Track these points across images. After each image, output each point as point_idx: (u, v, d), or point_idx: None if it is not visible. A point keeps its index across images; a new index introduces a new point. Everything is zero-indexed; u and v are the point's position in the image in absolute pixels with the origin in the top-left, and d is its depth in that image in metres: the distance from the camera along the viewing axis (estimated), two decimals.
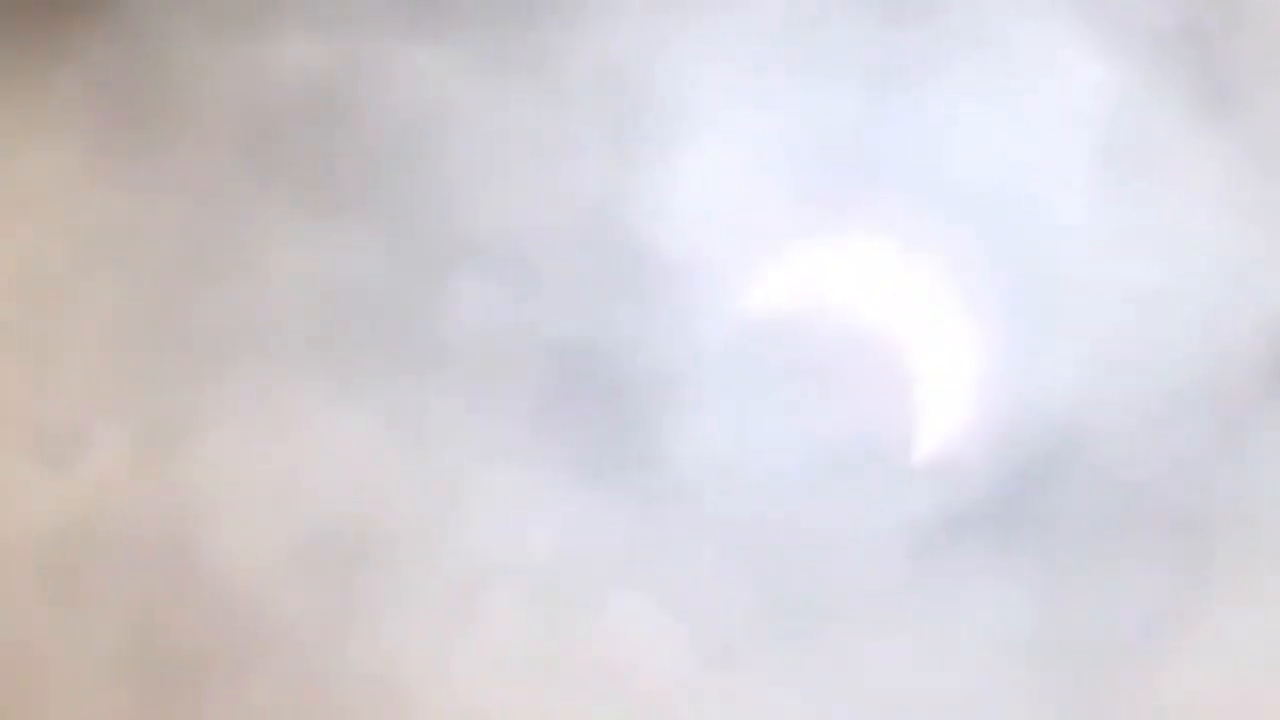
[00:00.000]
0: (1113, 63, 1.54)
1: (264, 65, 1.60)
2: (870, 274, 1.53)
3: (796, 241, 1.54)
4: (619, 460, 1.52)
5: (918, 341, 1.52)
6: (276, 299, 1.58)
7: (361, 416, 1.55)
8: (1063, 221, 1.52)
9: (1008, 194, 1.53)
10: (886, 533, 1.49)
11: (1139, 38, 1.54)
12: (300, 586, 1.53)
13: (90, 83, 1.61)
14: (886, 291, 1.53)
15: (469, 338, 1.56)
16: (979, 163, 1.54)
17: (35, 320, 1.59)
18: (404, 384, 1.55)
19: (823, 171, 1.55)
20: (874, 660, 1.47)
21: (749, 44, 1.57)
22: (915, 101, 1.55)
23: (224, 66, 1.60)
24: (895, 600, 1.47)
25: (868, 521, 1.50)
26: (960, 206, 1.54)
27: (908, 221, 1.54)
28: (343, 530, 1.53)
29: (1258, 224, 1.51)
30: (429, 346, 1.56)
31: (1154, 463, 1.46)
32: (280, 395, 1.57)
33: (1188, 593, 1.45)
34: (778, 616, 1.48)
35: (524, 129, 1.58)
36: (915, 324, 1.52)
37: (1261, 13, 1.53)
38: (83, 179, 1.60)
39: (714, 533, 1.51)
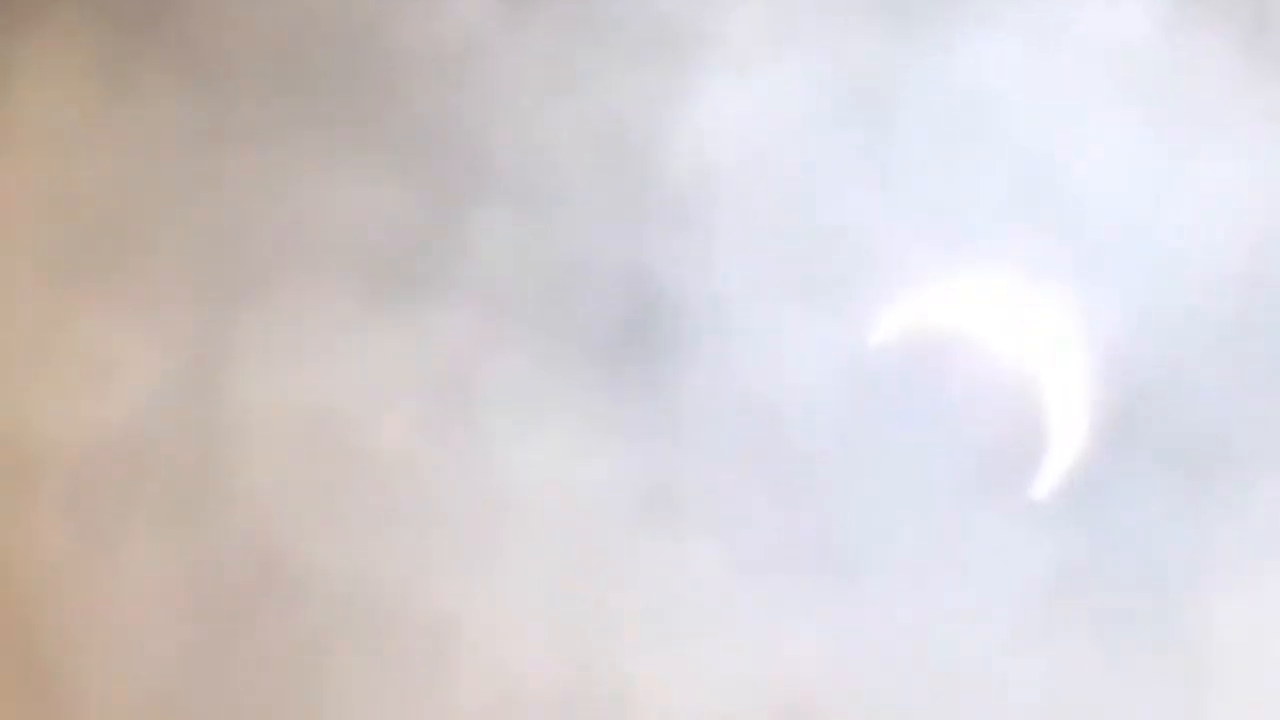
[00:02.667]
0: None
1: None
2: (898, 208, 1.52)
3: (823, 174, 1.53)
4: (641, 388, 1.53)
5: (946, 273, 1.52)
6: (307, 228, 1.59)
7: (392, 342, 1.57)
8: (1097, 171, 1.50)
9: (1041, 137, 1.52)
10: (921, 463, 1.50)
11: None
12: (332, 511, 1.56)
13: (116, 18, 1.62)
14: (913, 222, 1.52)
15: (495, 265, 1.56)
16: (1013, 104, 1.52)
17: (68, 245, 1.62)
18: (433, 310, 1.57)
19: (852, 108, 1.54)
20: (911, 600, 1.49)
21: None
22: (945, 40, 1.53)
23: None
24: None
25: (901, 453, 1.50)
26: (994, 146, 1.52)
27: (938, 160, 1.52)
28: (374, 453, 1.56)
29: None
30: (456, 274, 1.57)
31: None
32: (312, 321, 1.59)
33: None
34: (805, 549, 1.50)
35: (548, 59, 1.57)
36: (941, 254, 1.52)
37: None
38: (107, 110, 1.61)
39: (739, 464, 1.52)
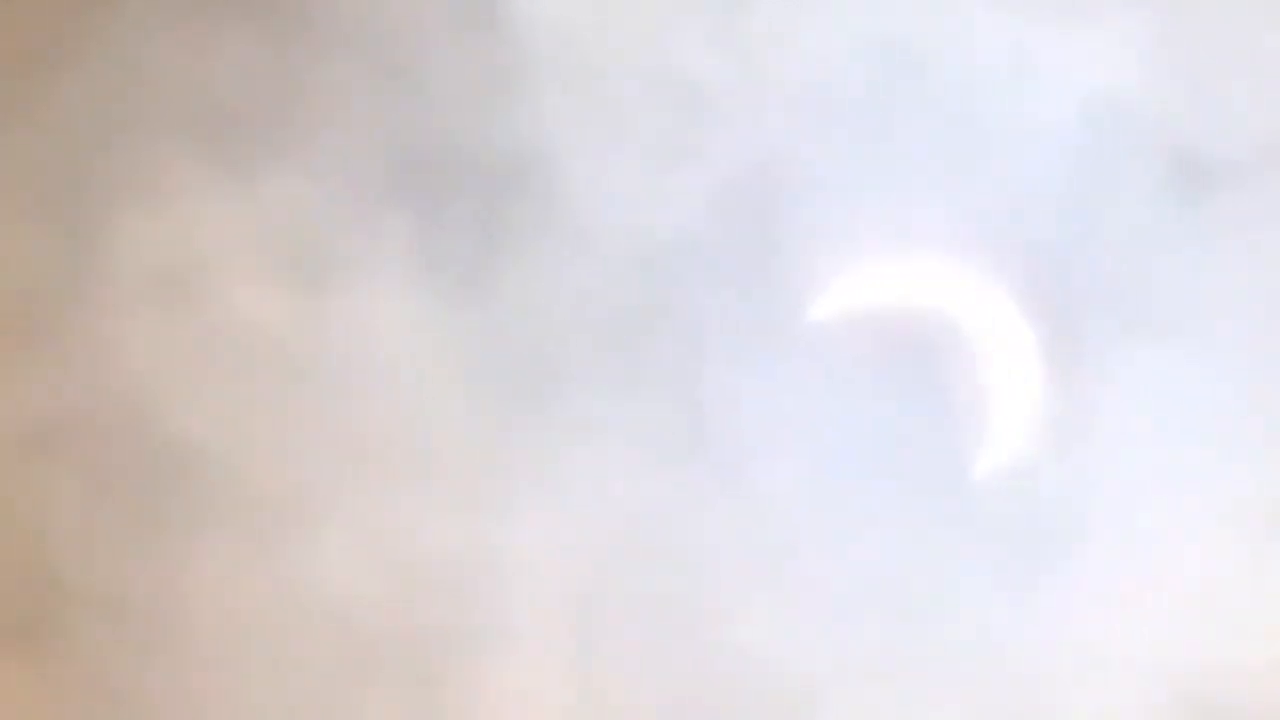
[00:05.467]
0: None
1: None
2: (746, 72, 1.58)
3: (678, 41, 1.59)
4: (492, 249, 1.58)
5: (786, 124, 1.58)
6: (157, 88, 1.62)
7: (242, 205, 1.61)
8: None
9: None
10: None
11: None
12: (191, 370, 1.61)
13: None
14: (760, 87, 1.58)
15: (347, 128, 1.60)
16: None
17: None
18: (281, 174, 1.61)
19: None
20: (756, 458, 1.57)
21: None
22: None
23: None
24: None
25: None
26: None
27: (790, 32, 1.58)
28: (228, 317, 1.61)
29: None
30: (306, 137, 1.61)
31: None
32: (165, 184, 1.62)
33: None
34: None
35: None
36: (783, 109, 1.59)
37: None
38: None
39: (573, 322, 1.59)
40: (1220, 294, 1.51)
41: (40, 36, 1.63)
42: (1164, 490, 1.51)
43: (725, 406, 1.56)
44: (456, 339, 1.58)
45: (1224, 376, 1.51)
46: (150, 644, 1.59)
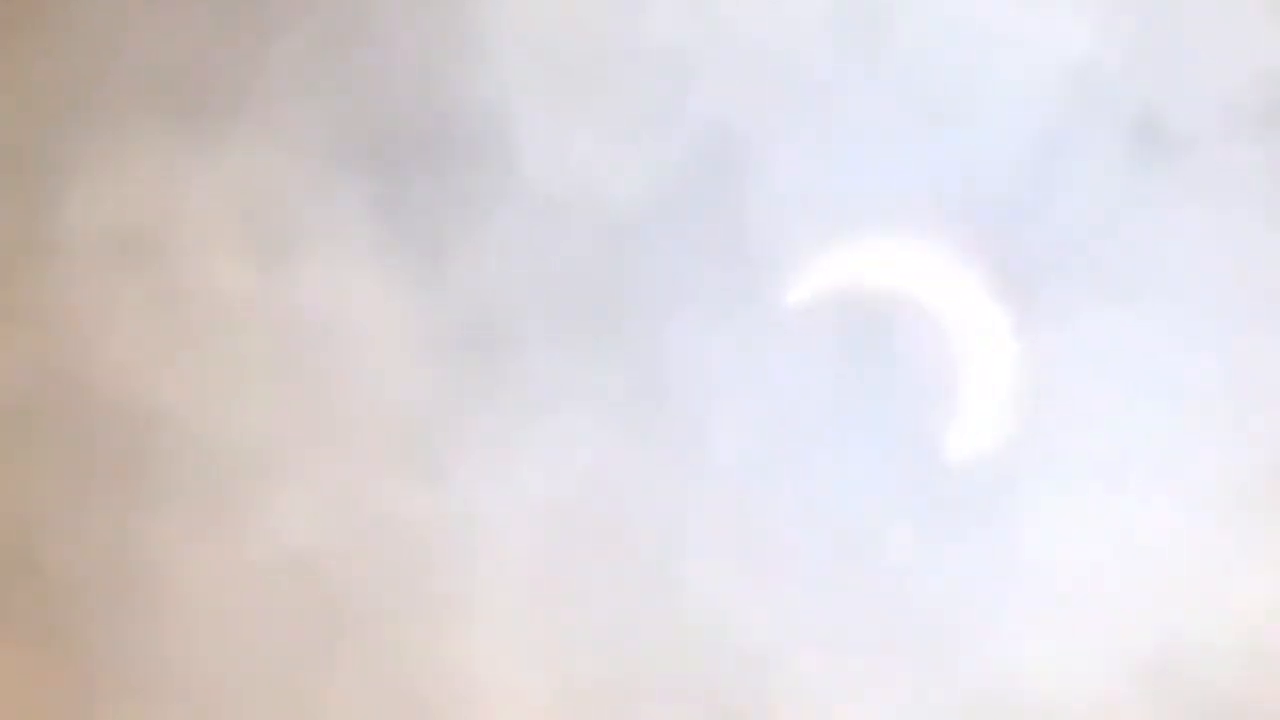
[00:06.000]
0: None
1: None
2: (706, 38, 1.57)
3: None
4: (453, 218, 1.59)
5: (736, 82, 1.58)
6: (118, 60, 1.63)
7: (200, 173, 1.62)
8: None
9: None
10: None
11: None
12: (148, 335, 1.62)
13: None
14: (716, 46, 1.58)
15: (307, 97, 1.61)
16: None
17: None
18: (237, 141, 1.61)
19: None
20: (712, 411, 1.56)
21: None
22: None
23: None
24: None
25: None
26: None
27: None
28: (187, 283, 1.61)
29: None
30: (266, 106, 1.62)
31: None
32: (126, 150, 1.63)
33: None
34: None
35: None
36: (734, 68, 1.58)
37: None
38: None
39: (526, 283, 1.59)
40: (1182, 261, 1.50)
41: (1, 7, 1.64)
42: (1127, 461, 1.50)
43: (688, 376, 1.55)
44: (418, 306, 1.59)
45: (1188, 343, 1.50)
46: (113, 609, 1.61)
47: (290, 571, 1.59)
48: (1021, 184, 1.52)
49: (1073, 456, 1.51)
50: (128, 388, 1.61)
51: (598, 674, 1.55)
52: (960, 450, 1.52)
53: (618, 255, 1.57)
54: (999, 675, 1.51)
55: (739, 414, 1.55)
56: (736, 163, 1.56)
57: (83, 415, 1.61)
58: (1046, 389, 1.51)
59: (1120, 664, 1.49)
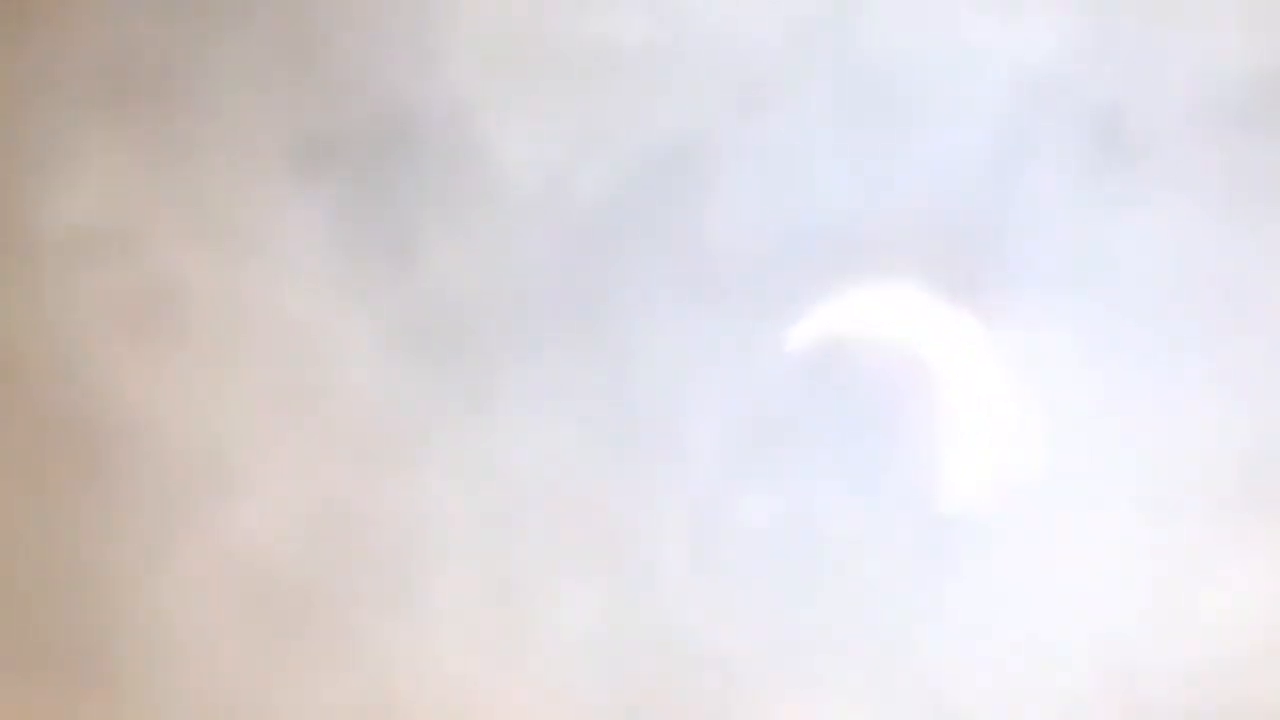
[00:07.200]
0: None
1: None
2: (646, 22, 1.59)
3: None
4: (414, 213, 1.59)
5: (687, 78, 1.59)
6: (76, 55, 1.63)
7: (161, 171, 1.63)
8: None
9: None
10: None
11: None
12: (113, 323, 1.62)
13: None
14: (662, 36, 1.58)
15: (269, 92, 1.61)
16: None
17: None
18: (204, 136, 1.62)
19: None
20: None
21: None
22: None
23: None
24: None
25: None
26: None
27: None
28: (151, 289, 1.61)
29: None
30: (229, 100, 1.62)
31: None
32: (85, 144, 1.64)
33: None
34: None
35: None
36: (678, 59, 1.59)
37: None
38: None
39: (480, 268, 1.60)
40: (1144, 260, 1.51)
41: None
42: (1097, 461, 1.51)
43: (655, 374, 1.56)
44: (383, 304, 1.58)
45: (1157, 343, 1.51)
46: (72, 612, 1.60)
47: (254, 568, 1.59)
48: (983, 185, 1.52)
49: (1044, 459, 1.52)
50: (85, 384, 1.61)
51: (556, 668, 1.56)
52: (919, 450, 1.53)
53: (585, 254, 1.57)
54: (958, 690, 1.52)
55: (707, 412, 1.55)
56: (701, 164, 1.56)
57: (39, 411, 1.61)
58: (1014, 392, 1.52)
59: (1090, 674, 1.50)
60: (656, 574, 1.55)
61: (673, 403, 1.56)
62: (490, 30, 1.58)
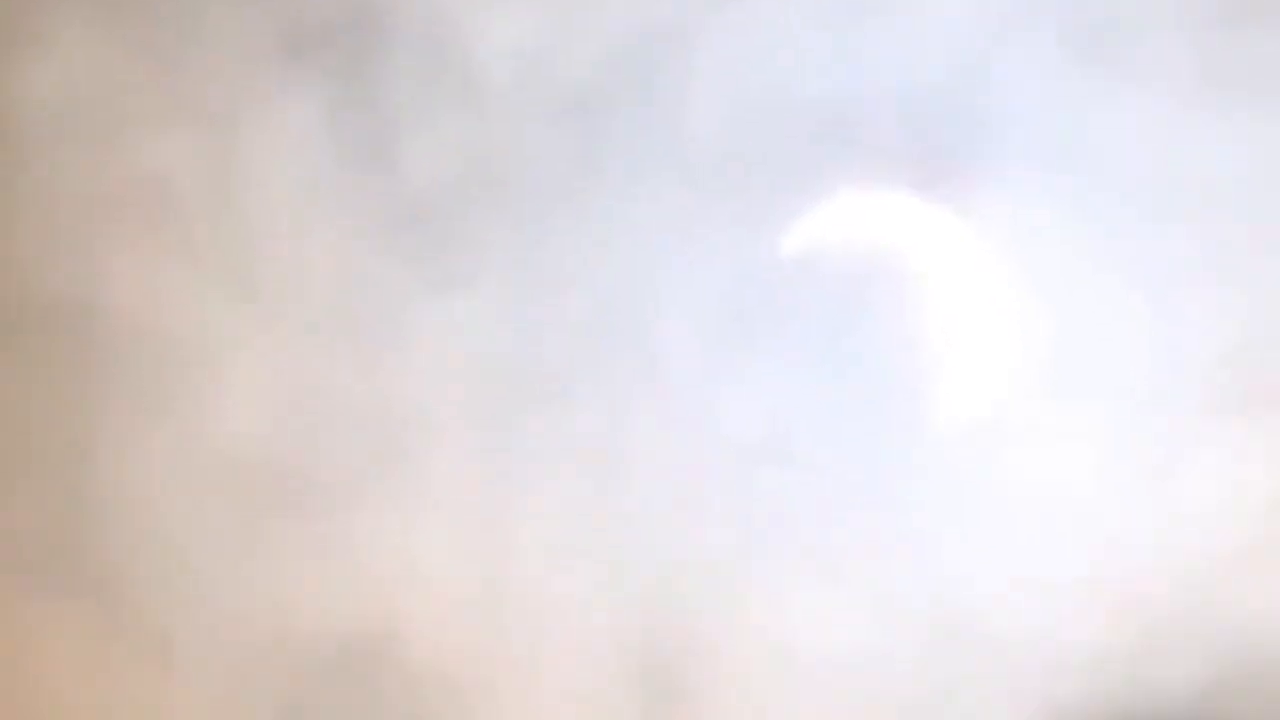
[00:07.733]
0: None
1: None
2: None
3: None
4: (392, 105, 1.59)
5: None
6: None
7: (141, 60, 1.63)
8: None
9: None
10: None
11: None
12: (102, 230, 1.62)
13: None
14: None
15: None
16: None
17: None
18: (188, 30, 1.62)
19: None
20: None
21: None
22: None
23: None
24: None
25: None
26: None
27: None
28: (132, 176, 1.61)
29: None
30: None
31: None
32: (65, 30, 1.64)
33: None
34: None
35: None
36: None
37: None
38: None
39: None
40: (1113, 149, 1.49)
41: None
42: (1069, 352, 1.50)
43: (635, 258, 1.55)
44: (366, 192, 1.59)
45: (1131, 232, 1.50)
46: (59, 502, 1.61)
47: (236, 455, 1.59)
48: (959, 74, 1.52)
49: (1033, 351, 1.51)
50: (66, 273, 1.61)
51: (534, 562, 1.55)
52: (907, 350, 1.52)
53: (566, 139, 1.56)
54: (960, 583, 1.50)
55: (684, 299, 1.55)
56: (680, 48, 1.55)
57: (20, 302, 1.61)
58: (998, 279, 1.51)
59: (1084, 571, 1.49)
60: (639, 459, 1.55)
61: (654, 287, 1.56)
62: None
